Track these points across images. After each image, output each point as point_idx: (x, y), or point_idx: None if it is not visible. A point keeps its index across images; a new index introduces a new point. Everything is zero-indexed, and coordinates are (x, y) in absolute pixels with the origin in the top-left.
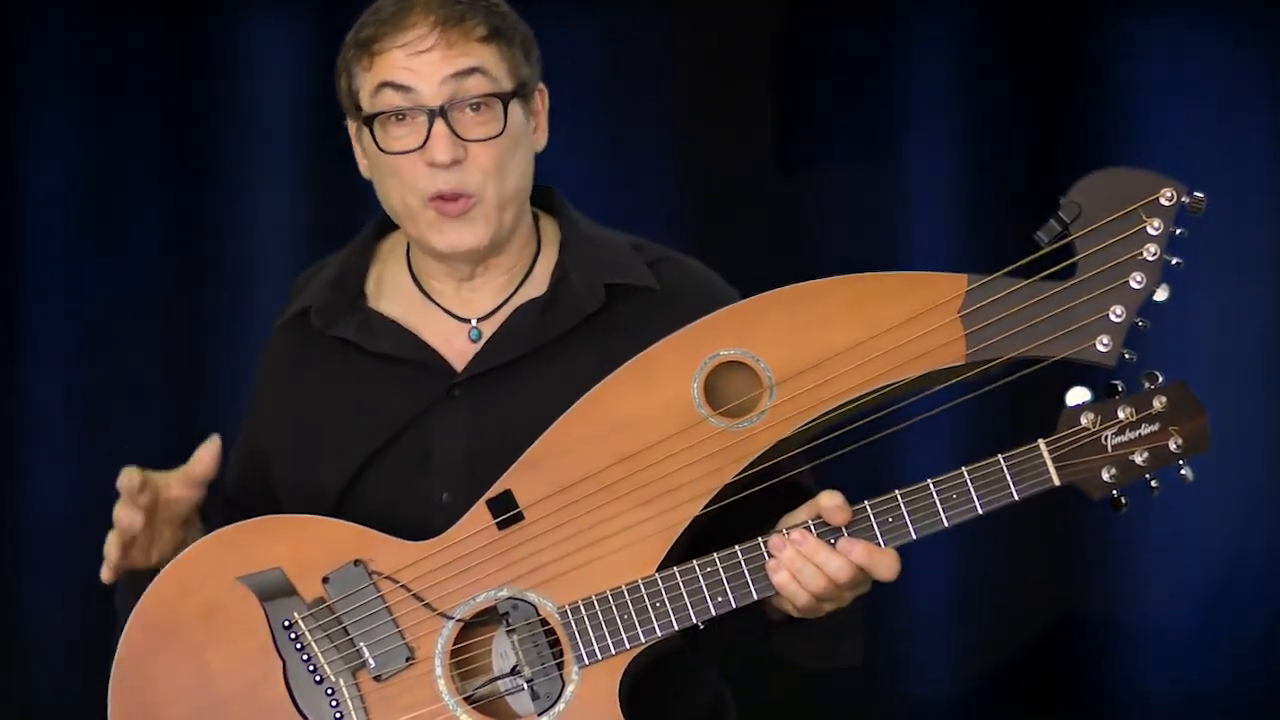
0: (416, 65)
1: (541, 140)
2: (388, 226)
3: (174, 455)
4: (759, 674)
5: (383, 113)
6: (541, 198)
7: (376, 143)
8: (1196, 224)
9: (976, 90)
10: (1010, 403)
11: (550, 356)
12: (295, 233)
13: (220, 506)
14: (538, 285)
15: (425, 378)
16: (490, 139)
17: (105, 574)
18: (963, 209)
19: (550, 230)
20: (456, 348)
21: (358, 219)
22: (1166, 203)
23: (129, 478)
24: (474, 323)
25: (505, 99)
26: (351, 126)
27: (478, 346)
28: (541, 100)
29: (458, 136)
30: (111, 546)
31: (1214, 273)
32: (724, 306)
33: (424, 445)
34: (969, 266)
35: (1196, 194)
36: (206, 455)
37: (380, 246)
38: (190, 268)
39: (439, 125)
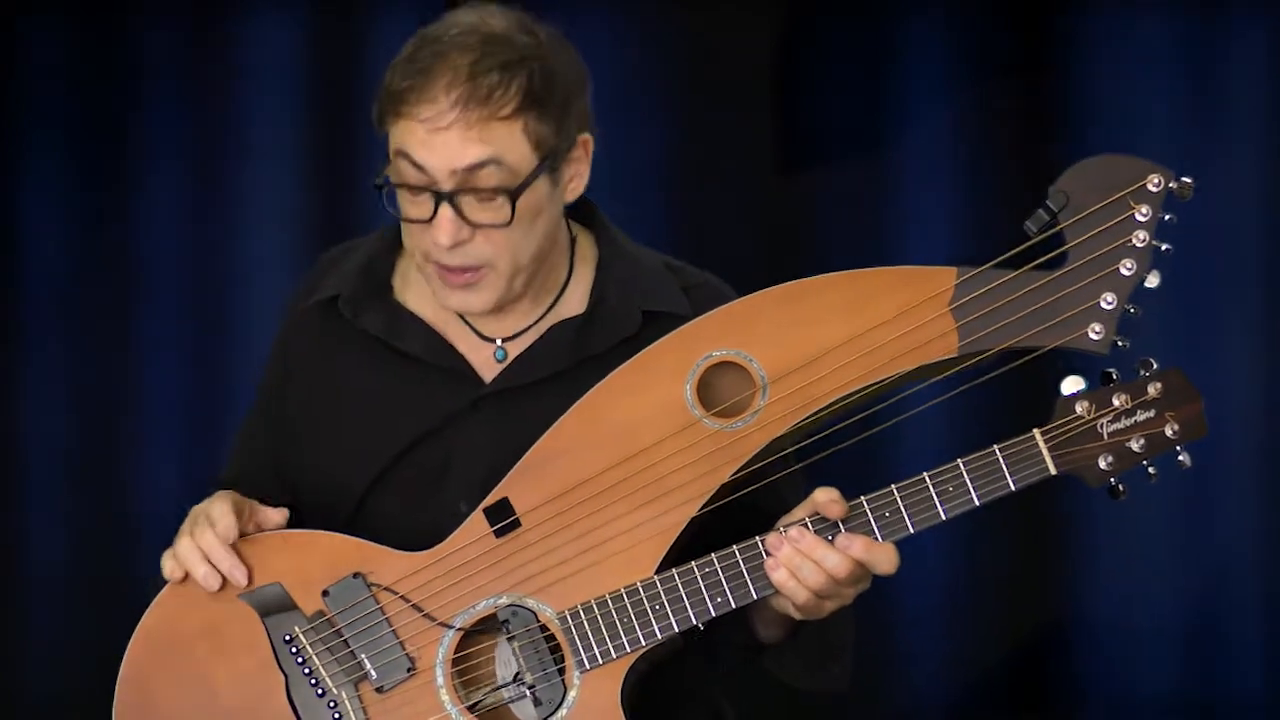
0: (432, 143)
1: (578, 187)
2: None
3: (172, 453)
4: (756, 688)
5: (399, 185)
6: (579, 210)
7: (394, 201)
8: (1189, 218)
9: (972, 90)
10: (1004, 394)
11: (579, 376)
12: (297, 229)
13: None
14: (573, 304)
15: (451, 385)
16: (496, 226)
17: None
18: (958, 209)
19: (586, 246)
20: (484, 356)
21: (357, 215)
22: (1154, 189)
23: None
24: (499, 343)
25: (514, 194)
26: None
27: (502, 363)
28: (585, 149)
29: (465, 220)
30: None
31: (1206, 267)
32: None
33: (444, 454)
34: (963, 263)
35: (1184, 179)
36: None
37: None
38: (191, 264)
39: (445, 209)
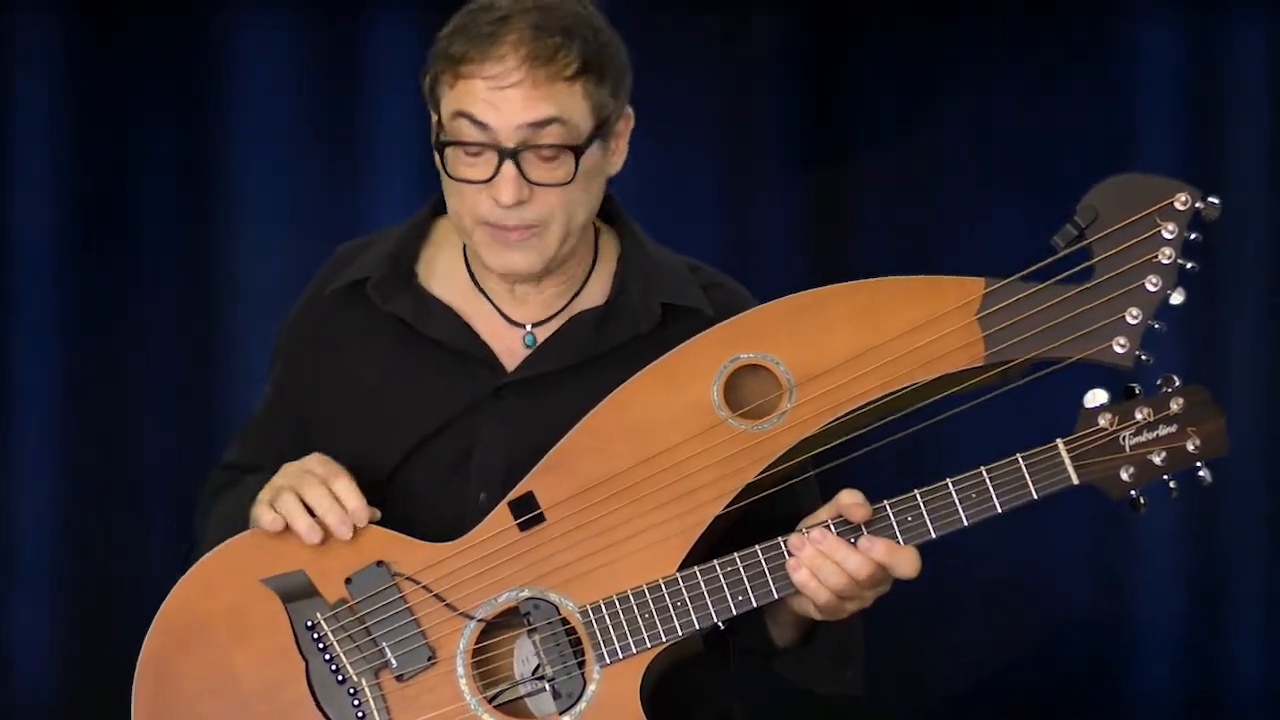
0: (497, 101)
1: (618, 163)
2: (445, 207)
3: (168, 454)
4: (766, 691)
5: (456, 143)
6: (602, 206)
7: (445, 165)
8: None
9: (974, 91)
10: (1028, 405)
11: (600, 368)
12: (295, 230)
13: (226, 477)
14: (594, 296)
15: (475, 372)
16: (557, 185)
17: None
18: (978, 212)
19: (608, 240)
20: (506, 344)
21: (357, 215)
22: (1181, 207)
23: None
24: (529, 328)
25: (579, 151)
26: (433, 116)
27: (530, 350)
28: (625, 124)
29: (526, 179)
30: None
31: (1205, 265)
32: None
33: (466, 442)
34: (984, 269)
35: (1211, 199)
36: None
37: (435, 227)
38: (190, 265)
39: (508, 167)
